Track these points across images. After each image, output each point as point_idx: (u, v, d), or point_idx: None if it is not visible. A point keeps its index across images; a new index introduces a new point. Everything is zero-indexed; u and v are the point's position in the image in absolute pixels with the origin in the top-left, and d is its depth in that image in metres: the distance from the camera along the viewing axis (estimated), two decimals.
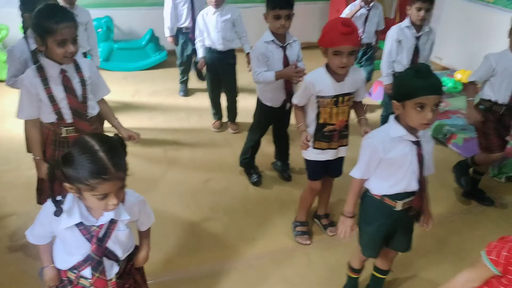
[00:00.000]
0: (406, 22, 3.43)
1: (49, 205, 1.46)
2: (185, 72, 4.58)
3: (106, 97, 2.38)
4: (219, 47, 3.61)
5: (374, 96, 4.73)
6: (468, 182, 3.09)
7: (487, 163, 3.02)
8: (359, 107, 2.46)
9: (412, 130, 1.76)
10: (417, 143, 1.78)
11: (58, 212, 1.42)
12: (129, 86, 4.86)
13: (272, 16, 2.66)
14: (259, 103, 2.99)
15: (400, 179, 1.82)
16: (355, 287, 2.29)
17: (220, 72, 3.73)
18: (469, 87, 2.86)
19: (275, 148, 3.32)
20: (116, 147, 1.36)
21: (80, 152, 1.31)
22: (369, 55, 4.31)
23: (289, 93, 2.80)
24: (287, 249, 2.63)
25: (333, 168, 2.55)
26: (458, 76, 4.76)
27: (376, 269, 2.22)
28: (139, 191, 3.00)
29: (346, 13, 4.11)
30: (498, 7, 4.72)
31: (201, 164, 3.46)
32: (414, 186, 1.84)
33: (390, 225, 1.95)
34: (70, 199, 1.45)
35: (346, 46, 2.09)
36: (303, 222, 2.73)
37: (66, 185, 1.37)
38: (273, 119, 3.02)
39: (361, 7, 4.03)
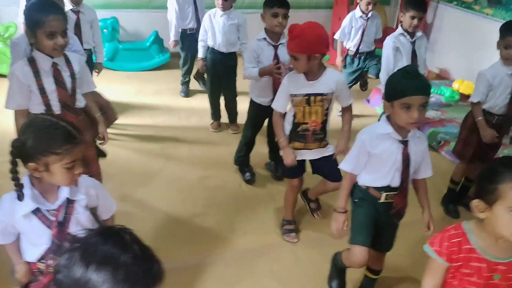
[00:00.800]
0: (399, 30, 3.52)
1: (4, 199, 1.49)
2: (187, 74, 4.68)
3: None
4: (222, 49, 3.69)
5: (372, 103, 4.81)
6: (456, 211, 3.11)
7: (460, 174, 3.08)
8: (345, 115, 2.52)
9: (401, 129, 1.83)
10: (405, 143, 1.85)
11: (21, 196, 1.45)
12: (132, 85, 4.97)
13: (270, 14, 2.78)
14: (250, 100, 3.09)
15: (384, 175, 1.90)
16: (343, 283, 2.32)
17: (220, 73, 3.82)
18: (475, 108, 2.85)
19: (269, 149, 3.39)
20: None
21: (45, 125, 1.40)
22: (370, 59, 4.35)
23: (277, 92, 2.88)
24: (275, 245, 2.70)
25: (325, 171, 2.59)
26: (455, 86, 4.82)
27: (368, 268, 2.27)
28: (137, 185, 3.15)
29: (345, 23, 4.20)
30: (496, 19, 4.78)
31: (198, 161, 3.55)
32: (397, 183, 1.90)
33: (376, 214, 1.99)
34: (25, 185, 1.47)
35: (290, 52, 2.30)
36: (290, 220, 2.79)
37: (31, 165, 1.41)
38: (264, 117, 3.08)
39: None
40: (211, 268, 2.49)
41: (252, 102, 3.09)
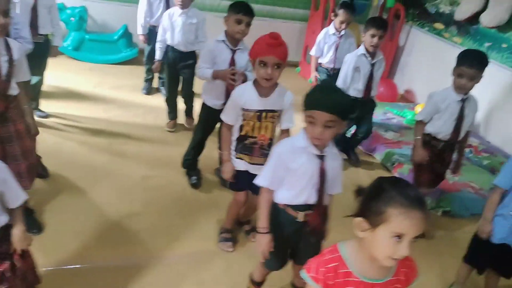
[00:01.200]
0: (361, 49, 3.53)
1: None
2: (151, 71, 4.57)
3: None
4: (181, 48, 3.65)
5: None
6: None
7: None
8: (281, 138, 2.41)
9: (317, 145, 1.77)
10: (321, 158, 1.79)
11: None
12: (93, 77, 4.83)
13: (234, 20, 2.72)
14: (202, 102, 3.01)
15: (301, 190, 1.83)
16: None
17: (179, 71, 3.75)
18: (417, 126, 2.89)
19: (219, 154, 3.31)
20: None
21: None
22: None
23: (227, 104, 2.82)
24: (209, 253, 2.61)
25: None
26: (418, 109, 4.85)
27: (292, 286, 2.21)
28: (76, 178, 3.01)
29: (319, 38, 4.19)
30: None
31: (144, 160, 3.44)
32: (314, 200, 1.84)
33: (293, 237, 1.94)
34: None
35: (271, 57, 2.10)
36: (228, 229, 2.71)
37: None
38: (215, 120, 3.01)
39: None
40: (136, 273, 2.37)
41: (203, 105, 3.02)
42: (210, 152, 3.35)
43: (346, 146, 3.99)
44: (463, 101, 2.76)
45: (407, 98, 5.78)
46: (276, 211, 1.91)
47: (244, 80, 2.76)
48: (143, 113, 4.21)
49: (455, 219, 3.40)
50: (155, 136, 3.82)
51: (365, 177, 3.80)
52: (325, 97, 1.66)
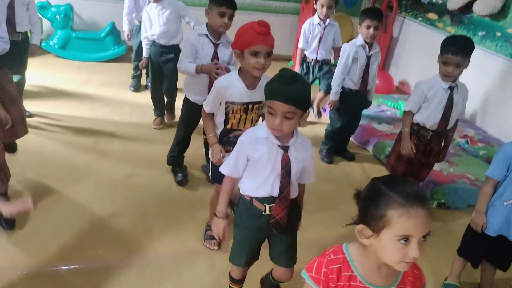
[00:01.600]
0: (359, 40, 3.44)
1: None
2: (138, 68, 4.47)
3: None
4: (162, 41, 3.58)
5: (328, 112, 4.68)
6: None
7: None
8: None
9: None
10: (285, 148, 1.71)
11: None
12: (80, 75, 4.74)
13: (216, 12, 2.62)
14: (184, 97, 2.91)
15: (264, 181, 1.76)
16: None
17: (162, 66, 3.66)
18: (405, 117, 2.81)
19: (205, 150, 3.21)
20: None
21: None
22: (326, 70, 4.26)
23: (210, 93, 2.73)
24: (192, 252, 2.51)
25: None
26: None
27: (271, 277, 2.10)
28: (56, 178, 2.92)
29: (304, 28, 4.08)
30: None
31: (129, 158, 3.34)
32: (277, 192, 1.76)
33: (259, 230, 1.86)
34: None
35: (263, 46, 2.01)
36: None
37: None
38: (198, 115, 2.91)
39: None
40: (115, 274, 2.28)
41: (186, 100, 2.92)
42: (196, 149, 3.25)
43: (339, 145, 3.88)
44: (451, 88, 2.67)
45: (402, 90, 5.68)
46: (244, 204, 1.85)
47: None
48: (130, 110, 4.12)
49: (451, 211, 3.30)
50: (141, 134, 3.73)
51: (358, 169, 3.71)
52: (284, 88, 1.59)
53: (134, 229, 2.61)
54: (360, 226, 1.17)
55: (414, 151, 2.74)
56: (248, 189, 1.81)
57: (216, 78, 2.61)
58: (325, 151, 3.79)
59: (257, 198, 1.80)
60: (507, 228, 2.20)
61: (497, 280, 2.48)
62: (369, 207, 1.15)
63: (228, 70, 2.67)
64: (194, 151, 3.26)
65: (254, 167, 1.76)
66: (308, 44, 4.08)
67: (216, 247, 2.55)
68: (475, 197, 3.00)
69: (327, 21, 4.00)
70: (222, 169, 1.82)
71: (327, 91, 4.12)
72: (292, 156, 1.73)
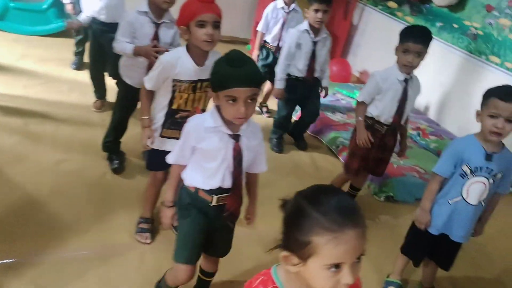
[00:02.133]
0: (305, 25, 3.30)
1: None
2: (81, 43, 4.18)
3: None
4: (102, 17, 3.28)
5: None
6: None
7: (340, 183, 2.91)
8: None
9: (231, 122, 1.57)
10: (236, 137, 1.59)
11: None
12: (17, 49, 4.37)
13: None
14: (120, 79, 2.68)
15: (213, 173, 1.63)
16: None
17: (103, 46, 3.35)
18: (358, 108, 2.71)
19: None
20: None
21: None
22: None
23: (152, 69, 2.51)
24: (122, 247, 2.32)
25: None
26: None
27: (201, 271, 1.99)
28: None
29: (266, 12, 3.87)
30: None
31: (62, 142, 3.07)
32: (228, 183, 1.64)
33: (206, 223, 1.73)
34: None
35: (209, 14, 1.88)
36: (147, 219, 2.43)
37: None
38: (135, 99, 2.70)
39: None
40: (33, 269, 2.06)
41: (122, 82, 2.69)
42: (137, 133, 3.01)
43: (294, 130, 3.76)
44: (406, 81, 2.58)
45: (362, 80, 5.59)
46: (189, 195, 1.71)
47: None
48: (69, 90, 3.82)
49: (399, 205, 3.25)
50: (78, 116, 3.45)
51: (308, 160, 3.60)
52: (240, 71, 1.47)
53: (59, 220, 2.38)
54: (285, 253, 0.99)
55: (372, 140, 2.63)
56: (194, 181, 1.68)
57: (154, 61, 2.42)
58: (275, 140, 3.65)
59: (204, 190, 1.67)
60: (450, 227, 2.13)
61: (438, 278, 2.43)
62: (292, 231, 0.97)
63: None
64: (134, 136, 3.02)
65: (201, 159, 1.63)
66: (269, 29, 3.87)
67: (148, 241, 2.37)
68: (423, 191, 2.96)
69: (292, 6, 3.80)
70: (168, 158, 1.72)
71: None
72: (244, 145, 1.62)
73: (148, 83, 2.09)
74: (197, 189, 1.67)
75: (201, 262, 1.95)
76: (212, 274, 1.98)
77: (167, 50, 2.42)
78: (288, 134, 3.76)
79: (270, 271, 1.08)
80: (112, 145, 2.90)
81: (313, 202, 0.95)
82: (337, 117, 4.11)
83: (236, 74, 1.45)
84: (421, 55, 2.50)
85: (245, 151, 1.62)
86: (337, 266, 0.92)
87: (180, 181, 1.73)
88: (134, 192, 2.73)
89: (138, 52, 2.42)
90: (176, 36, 2.57)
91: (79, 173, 2.79)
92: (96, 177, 2.80)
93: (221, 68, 1.49)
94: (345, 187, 2.97)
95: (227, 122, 1.57)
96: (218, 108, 1.58)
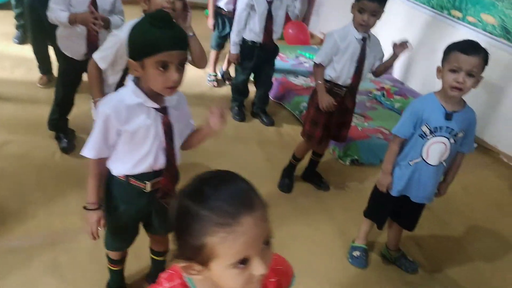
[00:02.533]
0: None
1: None
2: (21, 16, 3.86)
3: None
4: None
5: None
6: (289, 186, 2.82)
7: (303, 151, 2.81)
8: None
9: (156, 95, 1.39)
10: (163, 111, 1.43)
11: None
12: None
13: None
14: (58, 51, 2.48)
15: (144, 155, 1.46)
16: (120, 281, 1.92)
17: (41, 16, 3.09)
18: (317, 70, 2.57)
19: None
20: None
21: None
22: None
23: (92, 46, 2.34)
24: (73, 232, 2.18)
25: None
26: None
27: (152, 251, 1.90)
28: None
29: None
30: None
31: (5, 123, 2.88)
32: (162, 163, 1.49)
33: (141, 210, 1.60)
34: None
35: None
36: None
37: None
38: (78, 72, 2.51)
39: None
40: None
41: (61, 55, 2.50)
42: (87, 109, 2.83)
43: (254, 108, 3.59)
44: (364, 40, 2.46)
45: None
46: (116, 185, 1.53)
47: (107, 26, 2.27)
48: (12, 66, 3.57)
49: (365, 168, 3.20)
50: (23, 94, 3.23)
51: (271, 127, 3.48)
52: (169, 33, 1.30)
53: (3, 206, 2.23)
54: (183, 264, 0.84)
55: (335, 103, 2.52)
56: (122, 169, 1.49)
57: (94, 30, 2.23)
58: (236, 108, 3.51)
59: (134, 176, 1.50)
60: (410, 188, 2.08)
61: (404, 239, 2.41)
62: (183, 237, 0.83)
63: (107, 21, 2.27)
64: (85, 112, 2.83)
65: (129, 142, 1.42)
66: None
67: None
68: None
69: None
70: (87, 153, 1.45)
71: None
72: (173, 116, 1.46)
73: (103, 62, 1.95)
74: (127, 177, 1.50)
75: (150, 243, 1.86)
76: (162, 253, 1.87)
77: (105, 18, 2.24)
78: (252, 115, 3.60)
79: (177, 268, 0.91)
80: (58, 123, 2.72)
81: (198, 198, 0.80)
82: (300, 81, 4.00)
83: (166, 36, 1.27)
84: (376, 14, 2.39)
85: (175, 124, 1.47)
86: (243, 261, 0.80)
87: (103, 176, 1.53)
88: (86, 172, 2.56)
89: (74, 20, 2.24)
90: (116, 2, 2.38)
91: (25, 155, 2.62)
92: (44, 158, 2.63)
93: (146, 31, 1.29)
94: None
95: (150, 95, 1.39)
96: (137, 82, 1.39)
